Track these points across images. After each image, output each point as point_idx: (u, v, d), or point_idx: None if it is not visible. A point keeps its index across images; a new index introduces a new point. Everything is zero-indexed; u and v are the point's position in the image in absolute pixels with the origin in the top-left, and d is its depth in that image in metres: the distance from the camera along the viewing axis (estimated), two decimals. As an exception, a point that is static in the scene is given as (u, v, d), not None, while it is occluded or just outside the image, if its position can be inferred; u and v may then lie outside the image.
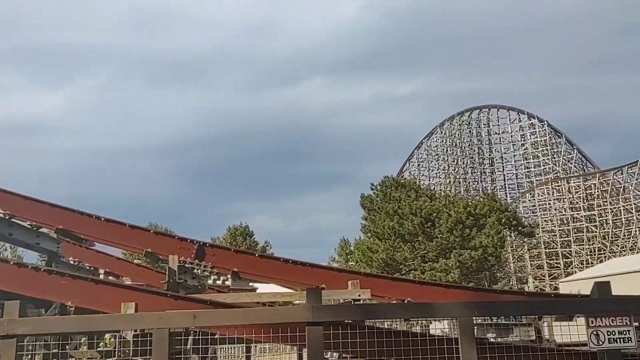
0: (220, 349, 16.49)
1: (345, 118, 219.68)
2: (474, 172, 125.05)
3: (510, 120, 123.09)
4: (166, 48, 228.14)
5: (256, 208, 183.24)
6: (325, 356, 7.08)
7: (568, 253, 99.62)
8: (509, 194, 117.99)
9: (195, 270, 13.53)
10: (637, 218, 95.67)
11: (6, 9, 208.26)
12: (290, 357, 20.75)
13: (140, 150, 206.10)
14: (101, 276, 15.10)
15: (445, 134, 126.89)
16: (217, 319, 7.27)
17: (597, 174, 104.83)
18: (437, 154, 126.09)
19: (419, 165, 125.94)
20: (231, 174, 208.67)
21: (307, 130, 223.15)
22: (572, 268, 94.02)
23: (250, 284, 15.01)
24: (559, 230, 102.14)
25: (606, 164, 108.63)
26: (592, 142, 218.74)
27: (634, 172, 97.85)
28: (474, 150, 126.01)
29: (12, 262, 11.17)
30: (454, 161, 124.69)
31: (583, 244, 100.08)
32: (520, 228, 67.93)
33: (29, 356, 10.84)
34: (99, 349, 10.90)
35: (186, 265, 13.44)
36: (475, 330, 7.10)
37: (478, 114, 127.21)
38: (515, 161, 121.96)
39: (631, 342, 6.56)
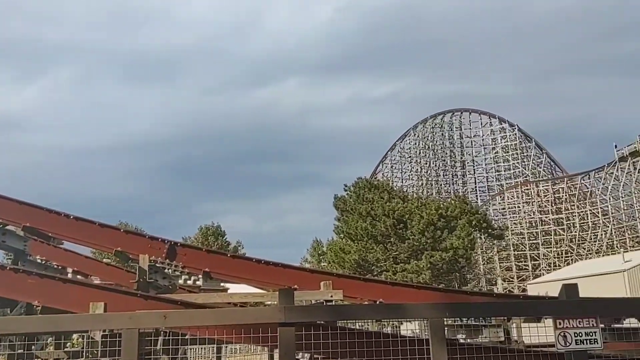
0: (191, 349, 16.35)
1: (321, 119, 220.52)
2: (446, 175, 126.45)
3: (482, 124, 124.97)
4: (143, 46, 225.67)
5: (228, 208, 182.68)
6: (297, 357, 7.08)
7: (536, 255, 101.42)
8: (480, 196, 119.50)
9: (166, 270, 13.36)
10: (603, 222, 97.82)
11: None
12: (261, 358, 20.64)
13: (112, 149, 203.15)
14: (69, 275, 14.81)
15: (418, 136, 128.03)
16: (188, 320, 7.21)
17: (565, 178, 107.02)
18: (410, 156, 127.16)
19: (392, 167, 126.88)
20: (204, 174, 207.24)
21: (281, 132, 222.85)
22: (540, 270, 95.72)
23: (222, 284, 14.89)
24: (528, 232, 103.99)
25: (575, 169, 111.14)
26: (562, 146, 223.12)
27: (601, 177, 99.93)
28: (446, 153, 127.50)
29: (-24, 261, 10.92)
30: (426, 163, 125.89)
31: (551, 247, 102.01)
32: (490, 230, 69.03)
33: (-7, 356, 10.61)
34: (66, 349, 10.69)
35: (157, 265, 13.25)
36: (446, 331, 7.16)
37: (451, 117, 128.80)
38: (486, 164, 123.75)
39: (597, 343, 6.65)
